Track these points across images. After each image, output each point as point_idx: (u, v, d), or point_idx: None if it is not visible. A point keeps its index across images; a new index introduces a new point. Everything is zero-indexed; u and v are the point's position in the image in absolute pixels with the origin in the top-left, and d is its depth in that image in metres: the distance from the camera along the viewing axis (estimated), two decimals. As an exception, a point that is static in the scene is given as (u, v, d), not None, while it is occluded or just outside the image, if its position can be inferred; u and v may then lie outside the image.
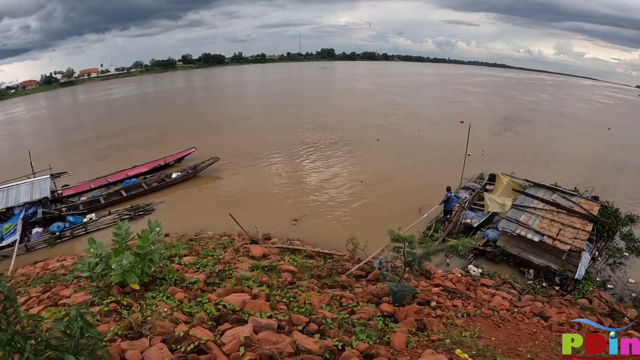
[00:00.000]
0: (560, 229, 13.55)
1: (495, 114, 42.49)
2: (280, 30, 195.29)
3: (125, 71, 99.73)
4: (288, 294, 6.26)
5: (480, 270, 13.20)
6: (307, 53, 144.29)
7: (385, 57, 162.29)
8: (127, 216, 16.92)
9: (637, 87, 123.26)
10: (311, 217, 17.02)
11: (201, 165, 21.68)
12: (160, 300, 5.78)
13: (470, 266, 13.46)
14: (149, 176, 21.14)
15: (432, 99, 55.60)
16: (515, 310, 8.52)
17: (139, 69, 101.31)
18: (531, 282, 12.67)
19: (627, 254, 14.49)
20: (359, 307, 6.06)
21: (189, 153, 23.85)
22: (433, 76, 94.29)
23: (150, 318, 4.85)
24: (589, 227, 13.52)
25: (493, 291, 10.61)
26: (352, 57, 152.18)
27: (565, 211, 14.48)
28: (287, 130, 32.43)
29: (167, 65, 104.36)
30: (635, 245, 14.92)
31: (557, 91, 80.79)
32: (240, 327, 4.47)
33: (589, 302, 11.16)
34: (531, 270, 13.27)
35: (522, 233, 13.63)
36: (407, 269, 7.37)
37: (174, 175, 20.87)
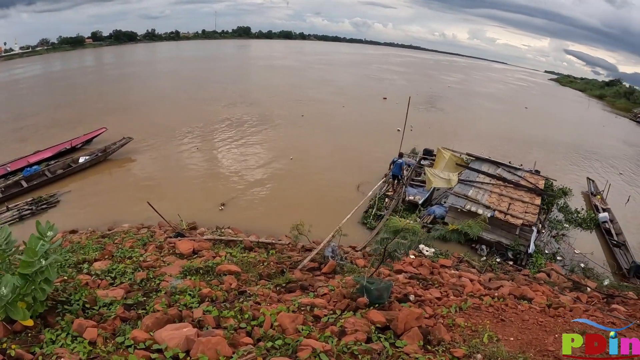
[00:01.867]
0: (509, 204, 13.17)
1: (418, 91, 43.09)
2: (196, 7, 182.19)
3: (30, 50, 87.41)
4: (246, 315, 4.41)
5: (433, 250, 12.27)
6: (223, 31, 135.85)
7: (302, 37, 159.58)
8: (29, 211, 13.87)
9: (546, 72, 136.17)
10: (239, 200, 15.32)
11: (112, 147, 18.76)
12: (62, 344, 3.81)
13: (421, 246, 12.48)
14: (53, 162, 17.79)
15: (357, 76, 55.69)
16: (496, 294, 7.51)
17: (45, 47, 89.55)
18: (484, 258, 12.12)
19: (567, 225, 14.72)
20: (343, 320, 4.44)
21: (99, 134, 20.51)
22: (354, 55, 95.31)
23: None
24: (538, 201, 13.32)
25: (458, 273, 9.67)
26: (269, 35, 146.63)
27: (512, 185, 14.16)
28: (209, 107, 29.73)
29: (75, 43, 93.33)
30: (573, 217, 15.23)
31: (473, 72, 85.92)
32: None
33: (548, 276, 10.84)
34: (483, 247, 12.77)
35: (473, 209, 13.02)
36: (386, 260, 5.89)
37: (81, 160, 17.81)
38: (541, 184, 14.40)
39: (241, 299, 5.23)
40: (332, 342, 3.83)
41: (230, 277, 6.54)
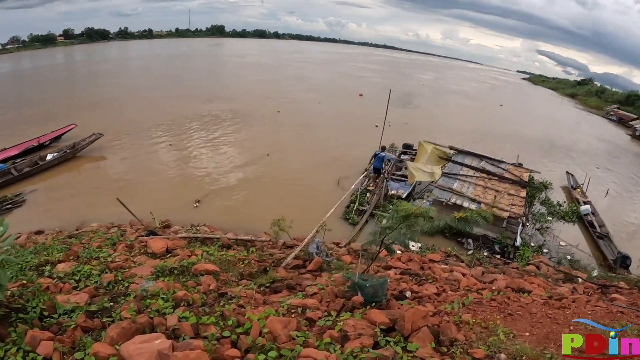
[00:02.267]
0: (495, 196, 12.91)
1: (394, 88, 42.96)
2: (169, 5, 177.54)
3: (1, 48, 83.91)
4: (230, 321, 3.77)
5: (419, 244, 11.87)
6: (197, 29, 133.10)
7: (276, 36, 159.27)
8: (-7, 211, 12.83)
9: (518, 72, 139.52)
10: (215, 196, 14.60)
11: (81, 144, 17.72)
12: (12, 360, 3.09)
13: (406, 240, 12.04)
14: (19, 160, 16.63)
15: (332, 73, 55.50)
16: (493, 288, 7.16)
17: (16, 45, 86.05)
18: (471, 252, 11.81)
19: (550, 218, 14.61)
20: (341, 323, 3.86)
21: (67, 130, 19.35)
22: (329, 54, 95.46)
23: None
24: (523, 193, 13.12)
25: (449, 267, 9.30)
26: (243, 34, 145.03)
27: (496, 178, 13.93)
28: (183, 104, 28.57)
29: (46, 41, 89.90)
30: (555, 209, 15.16)
31: (447, 71, 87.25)
32: None
33: (537, 268, 10.62)
34: (470, 240, 12.44)
35: (459, 202, 12.70)
36: (378, 254, 5.36)
37: (49, 157, 16.77)
38: (525, 176, 14.26)
39: (222, 302, 4.57)
40: (336, 350, 3.26)
41: (208, 277, 5.88)
